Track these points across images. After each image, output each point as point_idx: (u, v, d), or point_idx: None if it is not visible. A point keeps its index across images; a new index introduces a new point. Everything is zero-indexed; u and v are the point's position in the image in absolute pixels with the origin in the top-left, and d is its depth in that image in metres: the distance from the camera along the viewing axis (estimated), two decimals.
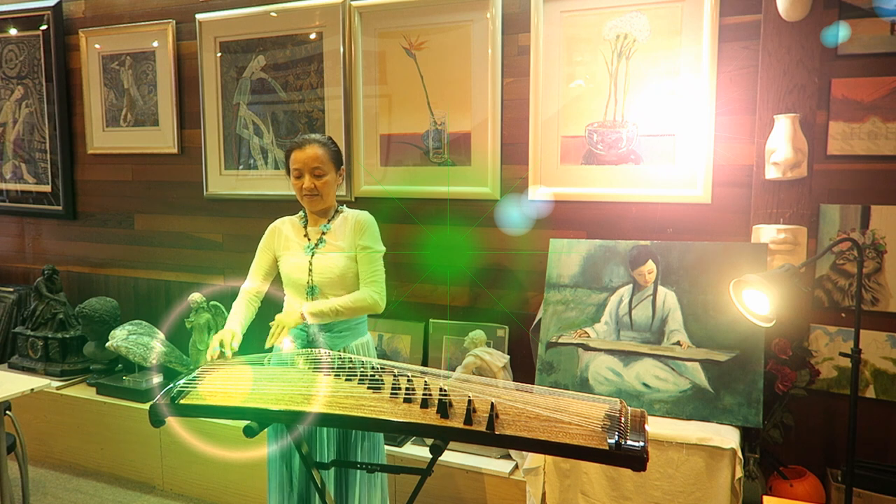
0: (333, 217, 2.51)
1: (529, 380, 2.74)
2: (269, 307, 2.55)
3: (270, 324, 2.28)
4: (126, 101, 4.11)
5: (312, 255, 2.43)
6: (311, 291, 2.42)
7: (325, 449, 2.37)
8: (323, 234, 2.47)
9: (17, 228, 4.62)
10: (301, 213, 2.56)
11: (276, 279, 2.56)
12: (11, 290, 4.45)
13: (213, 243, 3.96)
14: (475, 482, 2.89)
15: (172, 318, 3.93)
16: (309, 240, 2.48)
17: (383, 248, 2.49)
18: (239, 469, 3.29)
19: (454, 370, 3.06)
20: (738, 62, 2.79)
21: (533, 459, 2.48)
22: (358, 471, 2.39)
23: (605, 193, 3.02)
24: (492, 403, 1.69)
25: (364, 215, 2.51)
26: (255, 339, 2.42)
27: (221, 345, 2.23)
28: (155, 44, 3.97)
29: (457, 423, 1.70)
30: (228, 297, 2.56)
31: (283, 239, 2.52)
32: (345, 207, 2.56)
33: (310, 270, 2.42)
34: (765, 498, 2.23)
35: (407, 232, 3.41)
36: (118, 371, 3.88)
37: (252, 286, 2.53)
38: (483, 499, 2.87)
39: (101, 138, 4.22)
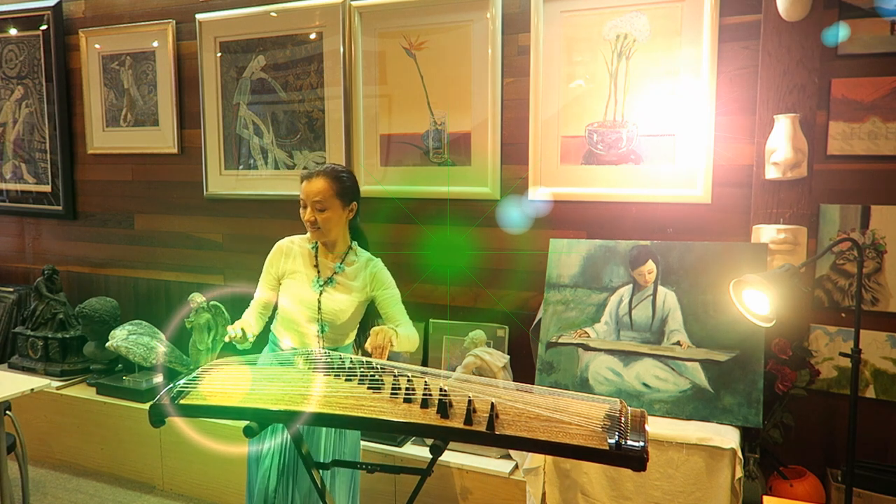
0: (346, 257, 2.49)
1: (529, 380, 2.74)
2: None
3: (369, 347, 2.20)
4: (126, 101, 4.11)
5: (321, 294, 2.42)
6: (322, 329, 2.42)
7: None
8: (335, 273, 2.45)
9: (17, 228, 4.62)
10: (310, 235, 2.51)
11: None
12: (11, 290, 4.45)
13: (213, 243, 3.96)
14: (475, 482, 2.89)
15: (173, 318, 3.92)
16: (318, 274, 2.46)
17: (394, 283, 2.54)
18: (239, 469, 3.28)
19: (454, 370, 3.06)
20: (738, 62, 2.79)
21: (533, 459, 2.48)
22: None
23: (605, 193, 3.02)
24: (492, 403, 1.69)
25: (380, 265, 2.51)
26: (255, 341, 2.42)
27: (243, 332, 2.26)
28: (155, 44, 3.97)
29: (457, 423, 1.70)
30: (228, 298, 2.56)
31: (290, 263, 2.49)
32: (356, 246, 2.53)
33: (319, 308, 2.41)
34: (765, 498, 2.23)
35: (407, 232, 3.41)
36: (118, 371, 3.88)
37: (261, 297, 2.52)
38: (483, 499, 2.87)
39: (101, 138, 4.22)
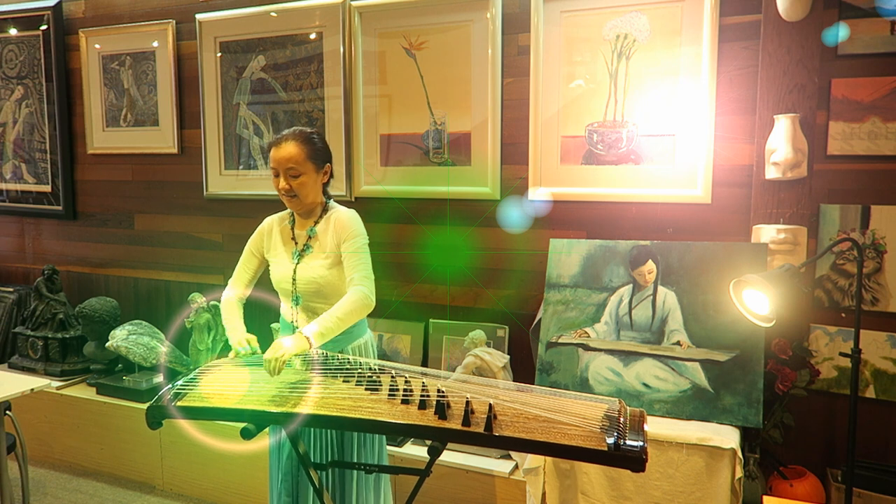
0: (320, 218, 2.39)
1: (529, 380, 2.74)
2: (265, 310, 2.56)
3: (267, 357, 2.01)
4: (126, 101, 4.11)
5: (297, 263, 2.35)
6: (297, 301, 2.35)
7: (325, 450, 2.36)
8: (309, 238, 2.37)
9: (17, 228, 4.62)
10: (289, 209, 2.46)
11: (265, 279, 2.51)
12: (11, 290, 4.45)
13: (213, 243, 3.96)
14: (475, 482, 2.89)
15: (173, 318, 3.93)
16: (296, 244, 2.39)
17: (366, 239, 2.36)
18: (239, 469, 3.29)
19: (454, 370, 3.06)
20: (738, 62, 2.78)
21: (533, 460, 2.48)
22: (356, 472, 2.38)
23: (605, 193, 3.02)
24: (490, 404, 1.69)
25: (345, 215, 2.37)
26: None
27: (249, 343, 2.22)
28: (155, 44, 3.97)
29: (454, 424, 1.70)
30: None
31: (271, 242, 2.44)
32: (333, 204, 2.44)
33: (294, 280, 2.34)
34: (765, 498, 2.23)
35: (407, 232, 3.40)
36: (118, 371, 3.88)
37: (235, 293, 2.45)
38: (483, 499, 2.87)
39: (101, 138, 4.22)
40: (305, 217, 2.41)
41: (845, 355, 2.33)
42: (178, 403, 1.87)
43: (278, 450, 2.40)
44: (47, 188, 4.42)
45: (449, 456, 2.93)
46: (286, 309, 2.42)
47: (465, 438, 1.72)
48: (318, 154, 2.34)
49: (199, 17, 3.79)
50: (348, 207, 2.46)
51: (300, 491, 2.33)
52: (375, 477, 2.46)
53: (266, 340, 2.76)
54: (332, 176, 2.43)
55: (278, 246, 2.43)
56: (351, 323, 2.21)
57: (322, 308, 2.28)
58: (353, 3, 3.39)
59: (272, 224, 2.47)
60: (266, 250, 2.46)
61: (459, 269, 3.33)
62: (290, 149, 2.29)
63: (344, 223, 2.34)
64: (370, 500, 2.43)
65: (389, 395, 1.85)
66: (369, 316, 2.55)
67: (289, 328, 2.44)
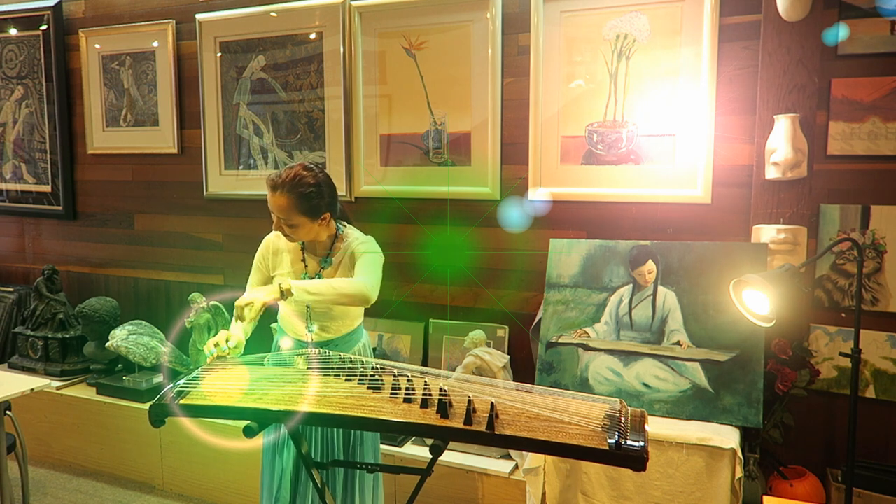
0: (334, 246, 2.36)
1: (529, 380, 2.74)
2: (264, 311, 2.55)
3: (238, 304, 2.03)
4: (126, 101, 4.11)
5: None
6: (310, 327, 2.33)
7: (324, 451, 2.36)
8: (322, 269, 2.34)
9: (17, 228, 4.62)
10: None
11: None
12: (11, 290, 4.45)
13: (213, 243, 3.96)
14: (475, 482, 2.89)
15: (173, 318, 3.93)
16: (306, 267, 2.37)
17: (381, 254, 2.35)
18: (239, 469, 3.29)
19: (454, 370, 3.06)
20: (738, 62, 2.79)
21: (533, 459, 2.48)
22: (358, 472, 2.38)
23: (605, 193, 3.02)
24: (492, 403, 1.69)
25: (360, 245, 2.33)
26: (255, 341, 2.41)
27: (217, 346, 2.21)
28: (155, 44, 3.97)
29: (457, 423, 1.70)
30: (228, 297, 2.55)
31: (278, 259, 2.41)
32: (348, 232, 2.40)
33: (308, 304, 2.30)
34: (765, 498, 2.23)
35: (407, 232, 3.41)
36: (118, 371, 3.88)
37: None
38: (483, 499, 2.87)
39: (101, 138, 4.22)
40: (315, 244, 2.38)
41: (845, 355, 2.34)
42: (181, 402, 1.87)
43: (273, 450, 2.39)
44: (47, 188, 4.42)
45: (449, 456, 2.93)
46: (288, 319, 2.40)
47: (468, 437, 1.73)
48: (312, 208, 2.23)
49: (199, 17, 3.79)
50: (349, 207, 2.45)
51: (298, 492, 2.33)
52: (367, 476, 2.44)
53: (266, 341, 2.77)
54: (336, 217, 2.36)
55: (285, 265, 2.39)
56: (338, 297, 2.14)
57: (332, 326, 2.36)
58: (353, 3, 3.39)
59: (278, 239, 2.41)
60: (272, 268, 2.42)
61: (459, 269, 3.33)
62: (280, 200, 2.20)
63: (359, 251, 2.32)
64: (367, 500, 2.43)
65: (391, 394, 1.85)
66: (369, 315, 2.55)
67: (284, 333, 2.45)
